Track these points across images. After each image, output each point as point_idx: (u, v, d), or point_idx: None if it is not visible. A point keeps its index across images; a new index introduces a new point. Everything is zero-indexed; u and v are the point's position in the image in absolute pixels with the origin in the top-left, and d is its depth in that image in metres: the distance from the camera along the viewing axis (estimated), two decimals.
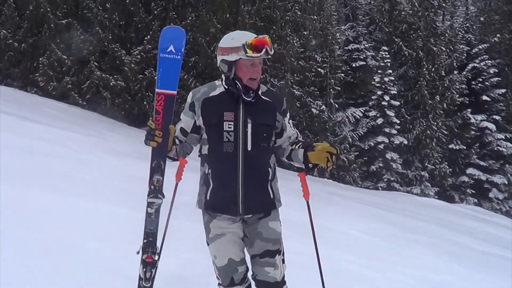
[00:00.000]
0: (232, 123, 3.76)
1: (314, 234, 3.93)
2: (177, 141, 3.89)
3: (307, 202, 3.91)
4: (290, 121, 4.08)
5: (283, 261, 3.99)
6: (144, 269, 3.74)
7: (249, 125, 3.77)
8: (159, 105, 3.79)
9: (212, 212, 3.92)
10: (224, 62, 3.83)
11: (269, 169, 3.92)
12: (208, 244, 3.96)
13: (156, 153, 3.77)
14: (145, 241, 3.76)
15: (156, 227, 3.79)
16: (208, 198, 3.90)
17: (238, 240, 3.92)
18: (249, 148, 3.76)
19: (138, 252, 3.77)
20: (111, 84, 22.50)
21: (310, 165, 3.83)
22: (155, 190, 3.78)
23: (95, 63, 22.70)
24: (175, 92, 3.86)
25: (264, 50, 3.69)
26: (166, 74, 3.85)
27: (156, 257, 3.78)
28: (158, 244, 3.81)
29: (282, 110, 3.99)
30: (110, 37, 23.48)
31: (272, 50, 3.76)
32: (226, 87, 3.88)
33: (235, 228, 3.89)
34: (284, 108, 4.01)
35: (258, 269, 3.93)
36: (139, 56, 23.19)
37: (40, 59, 22.65)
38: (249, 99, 3.79)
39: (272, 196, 3.93)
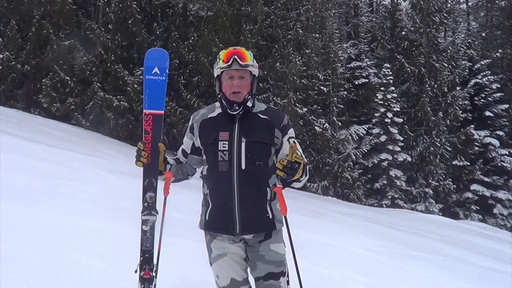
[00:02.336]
0: (226, 143, 3.76)
1: (293, 249, 3.80)
2: (171, 160, 3.97)
3: (285, 218, 3.82)
4: (291, 139, 3.88)
5: (288, 283, 3.93)
6: (142, 286, 3.76)
7: (243, 144, 3.74)
8: (148, 125, 3.90)
9: (212, 232, 3.91)
10: (215, 79, 3.88)
11: (268, 188, 3.83)
12: (211, 264, 3.94)
13: (147, 171, 3.85)
14: (141, 258, 3.78)
15: (151, 244, 3.82)
16: (207, 218, 3.89)
17: (240, 260, 3.88)
18: (243, 166, 3.72)
19: (136, 271, 3.78)
20: (114, 104, 22.62)
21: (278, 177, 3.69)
22: (149, 207, 3.82)
23: (98, 83, 22.85)
24: (163, 112, 3.97)
25: (231, 60, 3.71)
26: (153, 95, 3.96)
27: (152, 274, 3.80)
28: (154, 261, 3.83)
29: (282, 126, 3.88)
30: (112, 57, 23.65)
31: (248, 62, 3.76)
32: (220, 107, 3.89)
33: (236, 248, 3.86)
34: (284, 124, 3.89)
35: None
36: (141, 77, 23.20)
37: (43, 80, 22.81)
38: (234, 113, 3.77)
39: (271, 217, 3.84)
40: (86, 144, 17.12)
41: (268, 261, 3.82)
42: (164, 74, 3.97)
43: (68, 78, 22.90)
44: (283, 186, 3.74)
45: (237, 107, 3.76)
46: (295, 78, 25.33)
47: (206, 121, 3.90)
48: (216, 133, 3.79)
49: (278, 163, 3.49)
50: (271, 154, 3.84)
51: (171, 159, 3.99)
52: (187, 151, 4.00)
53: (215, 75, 3.85)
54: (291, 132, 3.92)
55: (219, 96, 3.85)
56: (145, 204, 3.82)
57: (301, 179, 3.68)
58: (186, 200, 8.19)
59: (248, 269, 3.94)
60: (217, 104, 3.94)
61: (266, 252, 3.83)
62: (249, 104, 3.81)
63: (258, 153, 3.77)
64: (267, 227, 3.85)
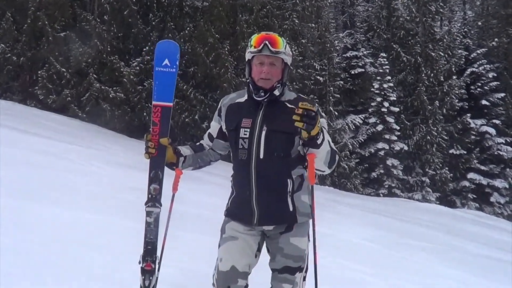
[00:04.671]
0: (248, 130, 3.66)
1: (314, 225, 3.69)
2: (187, 151, 3.89)
3: (312, 187, 3.71)
4: (323, 129, 3.56)
5: (304, 278, 3.80)
6: (143, 277, 3.73)
7: (263, 132, 3.62)
8: (156, 117, 3.83)
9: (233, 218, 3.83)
10: (246, 63, 3.77)
11: (289, 180, 3.67)
12: (219, 246, 3.80)
13: (153, 163, 3.79)
14: (144, 249, 3.76)
15: (155, 236, 3.78)
16: (229, 205, 3.84)
17: (249, 251, 3.74)
18: (261, 156, 3.61)
19: (139, 262, 3.75)
20: (111, 96, 22.60)
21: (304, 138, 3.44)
22: (152, 199, 3.77)
23: (94, 75, 22.81)
24: (172, 104, 3.90)
25: (262, 45, 3.59)
26: (162, 87, 3.89)
27: (154, 266, 3.76)
28: (158, 253, 3.80)
29: None
30: (108, 49, 23.59)
31: (280, 48, 3.63)
32: (247, 92, 3.80)
33: (250, 237, 3.75)
34: None
35: (276, 284, 3.77)
36: (138, 68, 23.29)
37: (39, 72, 22.74)
38: (259, 99, 3.65)
39: (291, 209, 3.69)
40: (82, 136, 17.10)
41: (286, 254, 3.71)
42: (175, 66, 3.90)
43: (64, 69, 22.83)
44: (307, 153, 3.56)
45: (262, 94, 3.64)
46: (291, 68, 25.24)
47: (233, 105, 3.82)
48: (240, 120, 3.69)
49: (294, 115, 3.25)
50: (294, 145, 3.65)
51: (187, 149, 3.91)
52: (213, 135, 3.93)
53: (246, 59, 3.74)
54: (322, 122, 3.59)
55: (247, 80, 3.75)
56: (149, 195, 3.78)
57: (318, 140, 3.42)
58: (189, 193, 8.21)
59: (251, 267, 3.78)
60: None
61: (285, 245, 3.72)
62: (277, 92, 3.68)
63: (278, 143, 3.63)
64: (286, 220, 3.72)
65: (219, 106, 3.90)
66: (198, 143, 4.03)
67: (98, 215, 7.25)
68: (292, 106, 3.60)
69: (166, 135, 3.79)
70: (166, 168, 3.85)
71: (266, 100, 3.67)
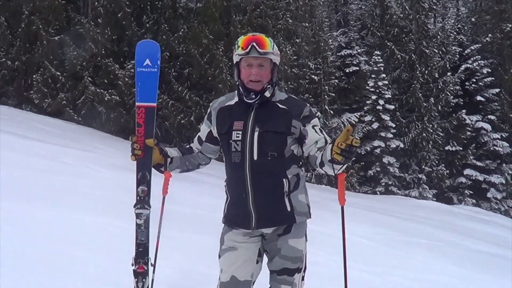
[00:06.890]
0: (240, 132, 3.62)
1: (345, 243, 3.67)
2: (173, 153, 3.84)
3: (342, 208, 3.67)
4: (316, 127, 3.67)
5: (303, 278, 3.80)
6: (136, 279, 3.70)
7: (256, 133, 3.58)
8: (140, 118, 3.81)
9: (230, 225, 3.79)
10: (234, 66, 3.73)
11: (284, 179, 3.64)
12: (219, 257, 3.77)
13: (140, 165, 3.75)
14: (136, 252, 3.74)
15: (146, 238, 3.75)
16: (226, 211, 3.81)
17: (250, 260, 3.71)
18: (255, 157, 3.58)
19: (132, 265, 3.73)
20: (106, 98, 22.61)
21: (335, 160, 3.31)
22: (141, 201, 3.73)
23: (89, 78, 22.82)
24: (155, 104, 3.88)
25: (250, 47, 3.53)
26: (145, 87, 3.90)
27: (147, 268, 3.73)
28: (151, 255, 3.77)
29: (302, 117, 3.65)
30: (103, 51, 23.60)
31: (268, 49, 3.57)
32: (237, 94, 3.75)
33: (249, 245, 3.72)
34: (305, 114, 3.66)
35: (275, 285, 3.76)
36: (132, 70, 23.22)
37: (34, 76, 22.77)
38: (250, 101, 3.61)
39: (289, 209, 3.66)
40: (78, 139, 17.10)
41: (284, 256, 3.69)
42: (156, 66, 3.88)
43: (59, 73, 22.85)
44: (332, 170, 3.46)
45: (253, 96, 3.60)
46: (286, 67, 25.31)
47: (223, 109, 3.77)
48: (231, 123, 3.66)
49: (335, 147, 3.21)
50: (287, 144, 3.63)
51: (175, 151, 3.87)
52: (202, 139, 3.89)
53: (234, 62, 3.69)
54: (315, 121, 3.71)
55: (237, 83, 3.70)
56: (138, 197, 3.74)
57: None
58: (183, 193, 8.21)
59: (254, 275, 3.75)
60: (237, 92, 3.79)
61: (284, 248, 3.70)
62: (267, 94, 3.64)
63: (271, 143, 3.61)
64: (285, 220, 3.70)
65: (209, 110, 3.87)
66: (187, 146, 4.01)
67: (93, 216, 7.27)
68: (284, 107, 3.68)
69: (151, 136, 3.75)
70: (154, 170, 3.81)
71: (257, 102, 3.64)
